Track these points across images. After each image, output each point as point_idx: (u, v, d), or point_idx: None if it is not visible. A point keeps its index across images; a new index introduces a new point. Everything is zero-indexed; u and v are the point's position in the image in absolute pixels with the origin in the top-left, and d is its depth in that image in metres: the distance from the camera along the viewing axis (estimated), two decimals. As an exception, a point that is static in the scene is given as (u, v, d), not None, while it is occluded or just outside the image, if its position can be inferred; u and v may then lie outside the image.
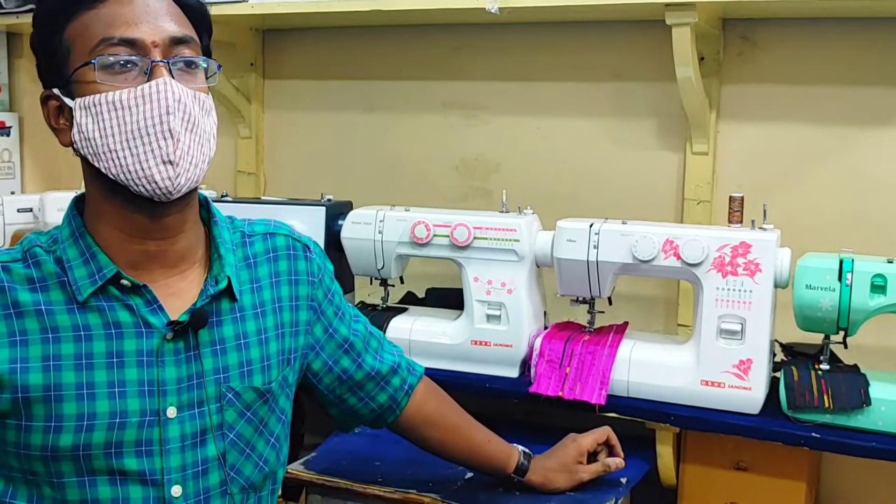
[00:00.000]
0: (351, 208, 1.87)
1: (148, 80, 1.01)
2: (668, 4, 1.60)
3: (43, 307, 1.03)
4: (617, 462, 1.45)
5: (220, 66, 1.12)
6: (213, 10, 1.91)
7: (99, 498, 1.02)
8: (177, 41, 1.04)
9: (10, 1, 2.18)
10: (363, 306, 1.89)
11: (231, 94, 2.22)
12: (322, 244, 1.84)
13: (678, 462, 1.60)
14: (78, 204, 1.10)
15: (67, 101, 1.04)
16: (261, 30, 2.27)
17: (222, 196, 2.04)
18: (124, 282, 1.05)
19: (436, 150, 2.11)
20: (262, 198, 2.21)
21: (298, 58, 2.26)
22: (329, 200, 1.91)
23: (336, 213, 1.87)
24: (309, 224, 1.87)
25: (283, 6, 1.92)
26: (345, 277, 1.90)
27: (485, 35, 2.02)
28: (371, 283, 1.87)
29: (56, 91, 1.05)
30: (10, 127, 2.46)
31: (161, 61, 1.02)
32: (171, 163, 1.00)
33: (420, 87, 2.12)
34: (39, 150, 2.51)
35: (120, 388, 1.03)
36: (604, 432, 1.47)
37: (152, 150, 1.00)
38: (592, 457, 1.47)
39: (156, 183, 1.01)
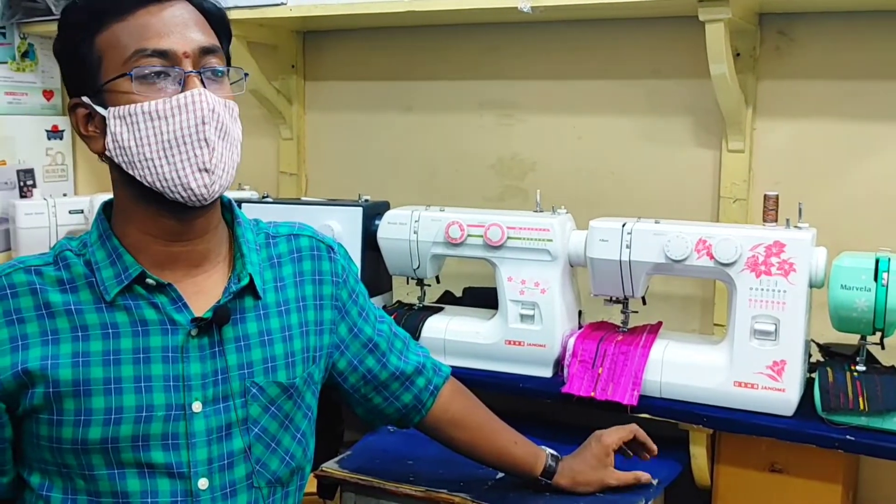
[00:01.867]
0: (388, 208, 1.88)
1: (182, 91, 1.04)
2: (700, 0, 1.58)
3: (73, 307, 1.07)
4: (646, 476, 1.45)
5: (246, 74, 1.15)
6: (255, 14, 1.99)
7: (128, 490, 1.06)
8: (205, 51, 1.07)
9: (60, 7, 2.25)
10: (400, 305, 1.91)
11: (272, 95, 2.26)
12: (359, 244, 1.88)
13: (712, 463, 1.58)
14: (106, 209, 1.14)
15: (100, 110, 1.06)
16: (301, 32, 2.30)
17: (263, 197, 2.07)
18: (149, 281, 1.08)
19: (472, 150, 2.12)
20: (302, 198, 2.24)
21: (338, 59, 2.29)
22: (366, 201, 1.93)
23: (373, 213, 1.89)
24: (346, 224, 1.89)
25: (318, 8, 1.94)
26: (382, 277, 1.93)
27: (520, 34, 2.02)
28: (408, 283, 1.88)
29: (86, 99, 1.08)
30: (63, 130, 2.54)
31: (193, 71, 1.05)
32: (207, 170, 1.04)
33: (456, 87, 2.12)
34: (91, 154, 2.56)
35: (146, 383, 1.07)
36: (630, 431, 1.44)
37: (189, 159, 1.04)
38: (623, 451, 1.45)
39: (192, 190, 1.04)
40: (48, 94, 2.53)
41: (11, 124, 2.40)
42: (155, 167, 1.04)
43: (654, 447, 1.44)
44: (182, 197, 1.05)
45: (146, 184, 1.06)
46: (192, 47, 1.05)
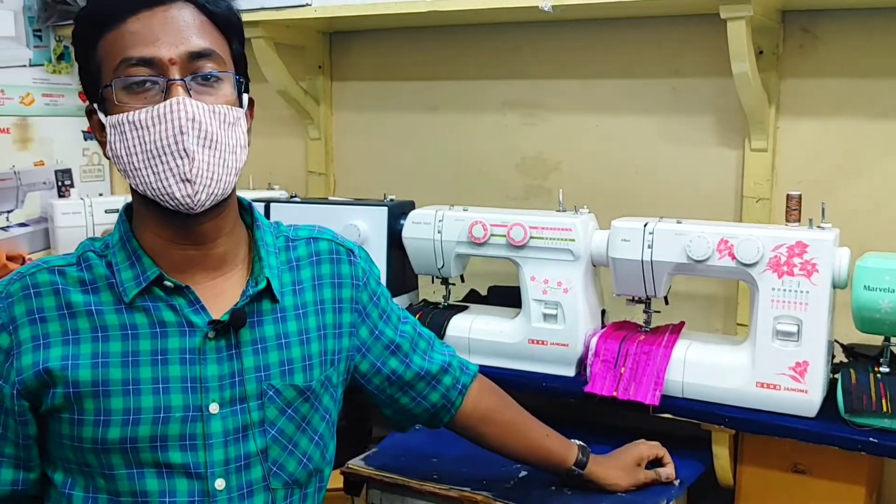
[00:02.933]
0: (413, 208, 1.90)
1: (165, 99, 1.04)
2: (723, -2, 1.58)
3: (93, 307, 1.09)
4: (668, 472, 1.47)
5: (239, 79, 1.12)
6: (281, 15, 2.01)
7: (147, 489, 1.08)
8: (196, 56, 1.05)
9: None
10: (425, 304, 1.93)
11: (300, 96, 2.28)
12: (384, 243, 1.90)
13: (735, 463, 1.59)
14: (128, 210, 1.16)
15: (102, 117, 1.08)
16: (328, 33, 2.32)
17: (291, 197, 2.10)
18: (167, 283, 1.10)
19: (497, 149, 2.13)
20: (328, 198, 2.26)
21: (364, 59, 2.30)
22: (391, 200, 1.95)
23: (398, 212, 1.91)
24: (372, 224, 1.91)
25: (343, 9, 1.96)
26: (407, 276, 1.95)
27: (543, 33, 2.02)
28: (433, 282, 1.90)
29: (95, 106, 1.10)
30: (99, 131, 2.59)
31: (177, 79, 1.04)
32: (188, 181, 1.04)
33: (480, 87, 2.13)
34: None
35: (164, 385, 1.08)
36: (662, 450, 1.49)
37: (170, 169, 1.04)
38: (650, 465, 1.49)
39: (177, 200, 1.05)
40: (83, 95, 2.58)
41: (49, 126, 2.46)
42: (143, 176, 1.05)
43: (671, 472, 1.49)
44: (171, 206, 1.06)
45: (139, 191, 1.07)
46: (178, 53, 1.04)
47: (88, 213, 2.28)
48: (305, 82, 2.32)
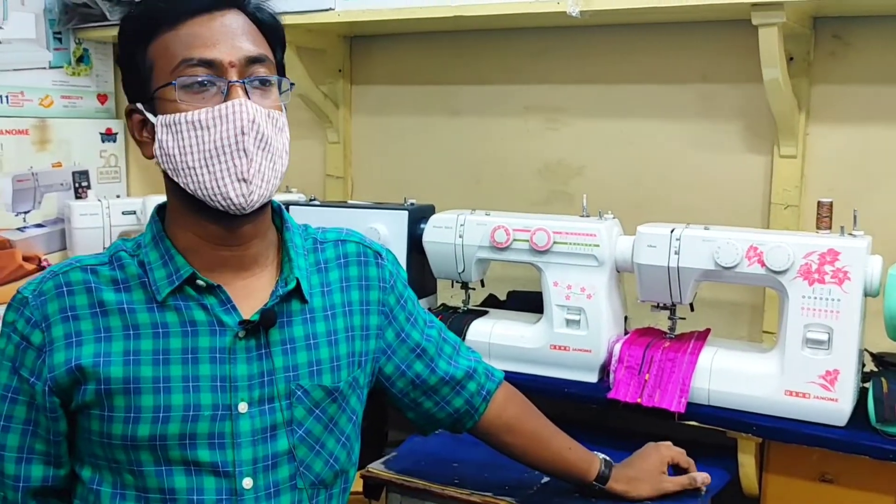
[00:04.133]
0: (433, 212, 1.89)
1: (225, 100, 1.06)
2: (754, 4, 1.57)
3: (125, 306, 1.10)
4: (704, 477, 1.44)
5: (292, 85, 1.16)
6: (303, 19, 2.01)
7: (175, 487, 1.08)
8: (252, 60, 1.08)
9: (114, 13, 2.29)
10: (445, 308, 1.91)
11: (320, 99, 2.28)
12: (404, 247, 1.89)
13: (761, 472, 1.56)
14: (160, 211, 1.17)
15: (150, 116, 1.09)
16: (348, 37, 2.32)
17: (310, 200, 2.09)
18: (199, 282, 1.11)
19: (518, 154, 2.11)
20: (348, 201, 2.25)
21: (384, 63, 2.30)
22: (412, 204, 1.94)
23: (419, 216, 1.90)
24: (392, 227, 1.90)
25: (366, 13, 1.95)
26: (427, 280, 1.94)
27: (567, 38, 2.02)
28: (452, 286, 1.89)
29: (140, 106, 1.11)
30: (117, 133, 2.59)
31: (237, 81, 1.06)
32: (244, 180, 1.06)
33: (503, 92, 2.12)
34: (142, 156, 2.62)
35: (194, 383, 1.09)
36: (686, 458, 1.46)
37: (228, 169, 1.05)
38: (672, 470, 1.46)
39: (230, 199, 1.06)
40: (102, 97, 2.59)
41: (67, 127, 2.46)
42: (196, 175, 1.06)
43: (707, 476, 1.45)
44: (222, 206, 1.07)
45: (189, 191, 1.08)
46: (238, 57, 1.07)
47: (105, 215, 2.27)
48: (325, 86, 2.32)
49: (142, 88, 1.10)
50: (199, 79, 1.06)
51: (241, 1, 1.11)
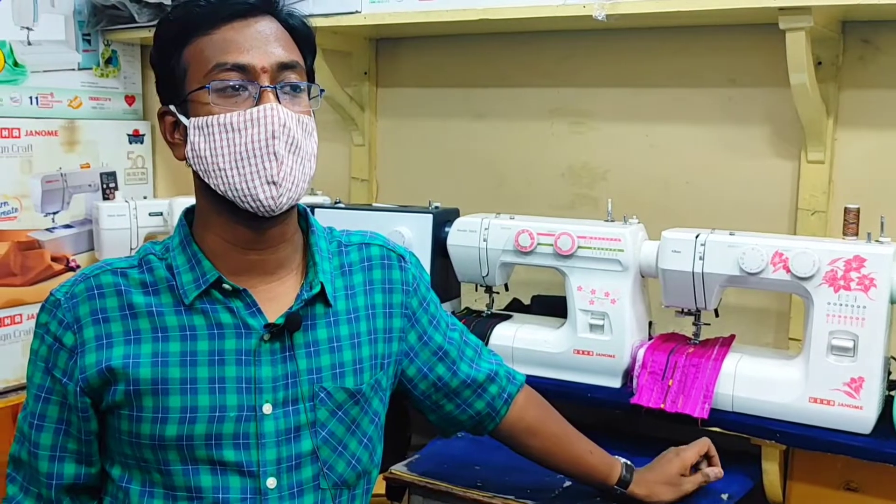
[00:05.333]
0: (458, 215, 1.89)
1: (257, 104, 1.08)
2: (781, 8, 1.55)
3: (154, 309, 1.12)
4: (716, 472, 1.43)
5: (322, 91, 1.18)
6: (329, 22, 2.02)
7: (202, 485, 1.10)
8: (284, 66, 1.10)
9: (143, 15, 2.32)
10: (468, 312, 1.92)
11: (345, 102, 2.28)
12: (429, 251, 1.89)
13: (785, 479, 1.55)
14: (188, 215, 1.19)
15: (183, 119, 1.11)
16: (374, 39, 2.32)
17: (336, 203, 2.10)
18: (226, 286, 1.12)
19: (543, 158, 2.11)
20: (373, 204, 2.26)
21: (410, 66, 2.30)
22: (437, 208, 1.94)
23: (443, 220, 1.90)
24: (416, 231, 1.91)
25: (392, 16, 1.96)
26: (451, 284, 1.94)
27: (593, 41, 2.01)
28: (476, 290, 1.89)
29: (172, 108, 1.13)
30: (144, 135, 2.62)
31: (269, 86, 1.08)
32: (274, 183, 1.08)
33: (528, 95, 2.12)
34: (170, 158, 2.59)
35: (220, 385, 1.11)
36: (704, 444, 1.45)
37: (258, 171, 1.07)
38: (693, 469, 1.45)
39: (260, 201, 1.08)
40: (130, 99, 2.62)
41: (95, 128, 2.48)
42: (227, 177, 1.08)
43: (720, 466, 1.44)
44: (251, 207, 1.09)
45: (219, 192, 1.10)
46: (270, 62, 1.09)
47: (133, 216, 2.30)
48: (351, 88, 2.32)
49: (175, 91, 1.12)
50: (232, 83, 1.08)
51: (274, 7, 1.13)
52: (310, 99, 1.15)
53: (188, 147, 1.11)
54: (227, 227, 1.13)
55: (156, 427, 1.09)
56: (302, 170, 1.11)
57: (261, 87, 1.08)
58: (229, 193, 1.09)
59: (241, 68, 1.08)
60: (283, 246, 1.17)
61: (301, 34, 1.16)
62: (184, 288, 1.12)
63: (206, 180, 1.11)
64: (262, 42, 1.09)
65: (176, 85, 1.12)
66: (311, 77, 1.18)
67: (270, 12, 1.13)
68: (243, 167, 1.07)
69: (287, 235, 1.17)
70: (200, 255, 1.13)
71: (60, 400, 1.12)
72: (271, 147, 1.07)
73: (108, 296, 1.12)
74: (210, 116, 1.08)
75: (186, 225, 1.17)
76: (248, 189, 1.08)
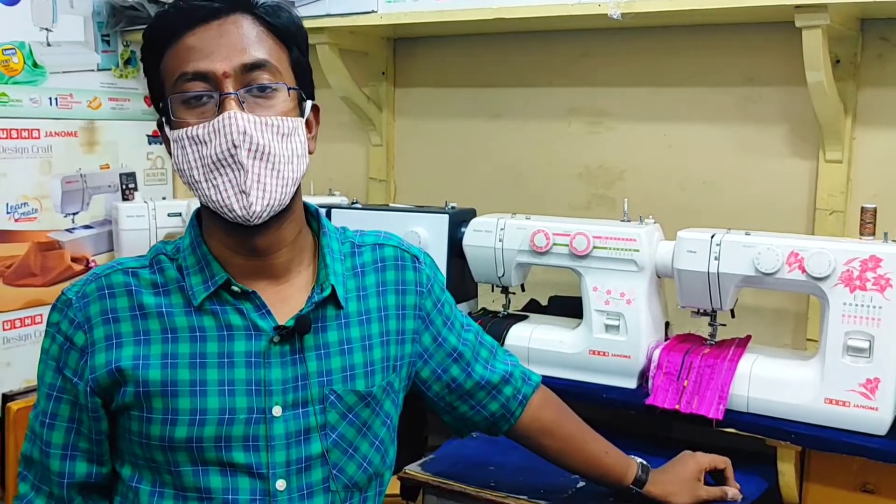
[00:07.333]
0: (474, 216, 1.89)
1: (219, 113, 1.05)
2: (797, 6, 1.55)
3: (164, 310, 1.11)
4: (734, 493, 1.42)
5: (291, 89, 1.11)
6: (346, 21, 2.03)
7: (211, 486, 1.09)
8: (251, 67, 1.06)
9: (161, 19, 2.33)
10: (485, 313, 1.92)
11: (363, 102, 2.29)
12: (445, 251, 1.89)
13: (801, 480, 1.54)
14: (198, 216, 1.18)
15: (167, 131, 1.10)
16: (392, 39, 2.33)
17: (353, 203, 2.10)
18: (235, 288, 1.12)
19: (560, 158, 2.11)
20: (390, 205, 2.26)
21: (427, 66, 2.31)
22: (453, 208, 1.94)
23: (459, 220, 1.90)
24: (433, 231, 1.91)
25: (408, 16, 1.97)
26: (467, 284, 1.94)
27: (609, 41, 2.01)
28: (493, 291, 1.89)
29: (163, 120, 1.12)
30: (163, 135, 2.64)
31: (230, 93, 1.05)
32: (244, 192, 1.05)
33: (545, 94, 2.12)
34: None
35: (230, 387, 1.10)
36: (724, 461, 1.45)
37: (229, 181, 1.06)
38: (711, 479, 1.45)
39: (235, 212, 1.06)
40: (149, 100, 2.62)
41: (115, 129, 2.51)
42: (204, 189, 1.07)
43: (737, 487, 1.44)
44: (230, 218, 1.07)
45: (202, 203, 1.09)
46: (232, 66, 1.05)
47: (152, 217, 2.31)
48: (368, 88, 2.33)
49: (158, 105, 1.11)
50: (190, 94, 1.06)
51: (246, 4, 1.09)
52: (305, 94, 1.12)
53: (173, 160, 1.10)
54: (223, 234, 1.12)
55: (165, 429, 1.09)
56: (277, 175, 1.07)
57: (221, 94, 1.05)
58: (209, 205, 1.08)
59: (202, 76, 1.05)
60: (285, 251, 1.15)
61: (280, 28, 1.10)
62: (193, 289, 1.12)
63: (191, 192, 1.10)
64: (225, 45, 1.05)
65: (159, 98, 1.11)
66: (300, 71, 1.13)
67: (241, 9, 1.08)
68: (215, 178, 1.06)
69: (286, 241, 1.15)
70: (210, 257, 1.13)
71: (72, 399, 1.12)
72: (235, 157, 1.04)
73: (119, 296, 1.11)
74: (180, 129, 1.06)
75: (197, 226, 1.17)
76: (223, 200, 1.06)
